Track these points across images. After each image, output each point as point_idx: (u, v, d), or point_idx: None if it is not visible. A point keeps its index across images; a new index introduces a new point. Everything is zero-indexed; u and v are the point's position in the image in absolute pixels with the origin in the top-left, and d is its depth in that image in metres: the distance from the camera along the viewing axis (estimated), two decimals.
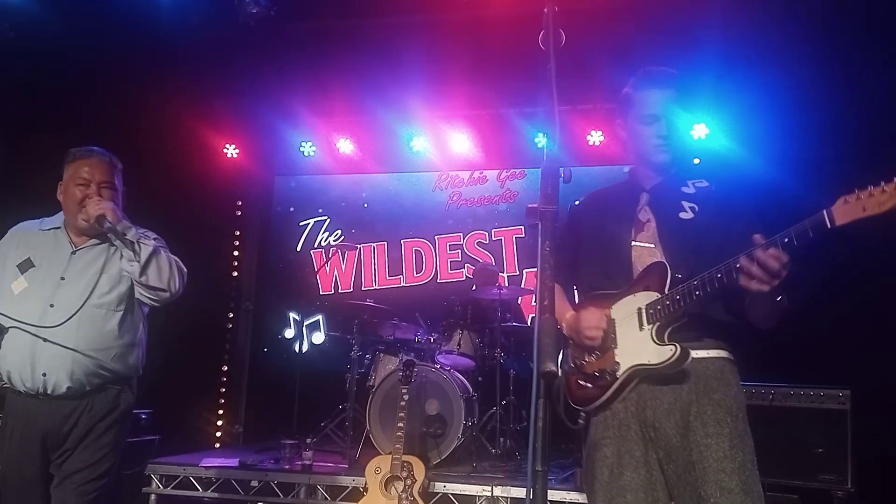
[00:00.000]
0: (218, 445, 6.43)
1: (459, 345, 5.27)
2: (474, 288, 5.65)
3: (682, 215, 2.12)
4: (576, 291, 2.38)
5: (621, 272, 2.13)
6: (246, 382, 6.92)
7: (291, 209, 7.31)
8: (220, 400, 6.73)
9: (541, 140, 6.39)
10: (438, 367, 5.01)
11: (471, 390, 5.05)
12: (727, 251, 1.90)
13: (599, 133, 6.17)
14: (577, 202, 2.45)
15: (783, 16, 4.67)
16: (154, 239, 2.76)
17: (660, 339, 1.98)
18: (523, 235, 6.69)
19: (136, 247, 2.57)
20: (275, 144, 7.04)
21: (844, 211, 1.66)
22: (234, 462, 4.69)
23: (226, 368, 6.86)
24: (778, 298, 1.88)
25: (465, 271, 6.77)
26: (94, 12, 4.55)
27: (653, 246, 2.11)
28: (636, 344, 2.02)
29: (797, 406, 4.05)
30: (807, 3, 4.60)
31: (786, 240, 1.75)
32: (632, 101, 2.23)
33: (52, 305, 2.56)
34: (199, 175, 6.31)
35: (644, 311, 2.03)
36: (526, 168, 6.81)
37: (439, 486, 4.25)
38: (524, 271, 6.66)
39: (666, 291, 1.99)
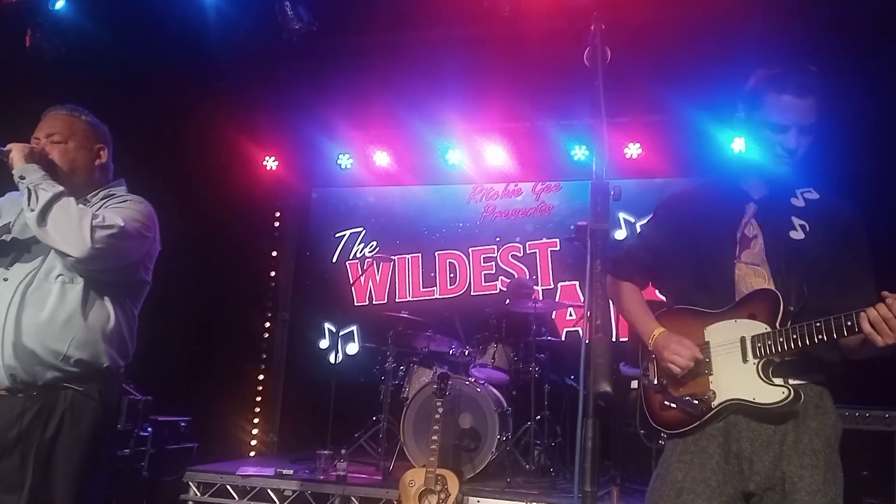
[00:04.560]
0: (253, 454, 6.50)
1: (494, 358, 5.25)
2: (507, 302, 5.63)
3: (793, 234, 1.95)
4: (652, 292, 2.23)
5: (722, 291, 1.97)
6: (281, 392, 7.00)
7: (327, 221, 7.38)
8: (255, 409, 6.82)
9: (577, 153, 6.38)
10: (473, 380, 5.00)
11: (505, 404, 5.02)
12: (833, 281, 1.84)
13: (637, 146, 6.13)
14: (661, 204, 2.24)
15: (824, 27, 4.60)
16: (125, 201, 2.38)
17: (767, 377, 1.85)
18: (558, 248, 6.66)
19: (34, 193, 2.15)
20: (313, 157, 7.13)
21: None
22: (269, 471, 4.73)
23: (262, 378, 6.95)
24: None
25: (498, 284, 6.75)
26: (143, 29, 4.69)
27: (759, 266, 1.96)
28: (738, 376, 1.89)
29: (842, 427, 3.94)
30: (850, 18, 4.52)
31: None
32: (762, 103, 1.99)
33: (5, 279, 2.25)
34: (239, 186, 6.43)
35: (750, 342, 1.88)
36: (561, 181, 6.77)
37: (473, 501, 4.23)
38: (559, 285, 6.62)
39: (778, 326, 1.85)
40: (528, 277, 6.52)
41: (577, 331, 6.30)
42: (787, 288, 1.90)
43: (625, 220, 6.33)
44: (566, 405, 5.34)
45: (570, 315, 6.43)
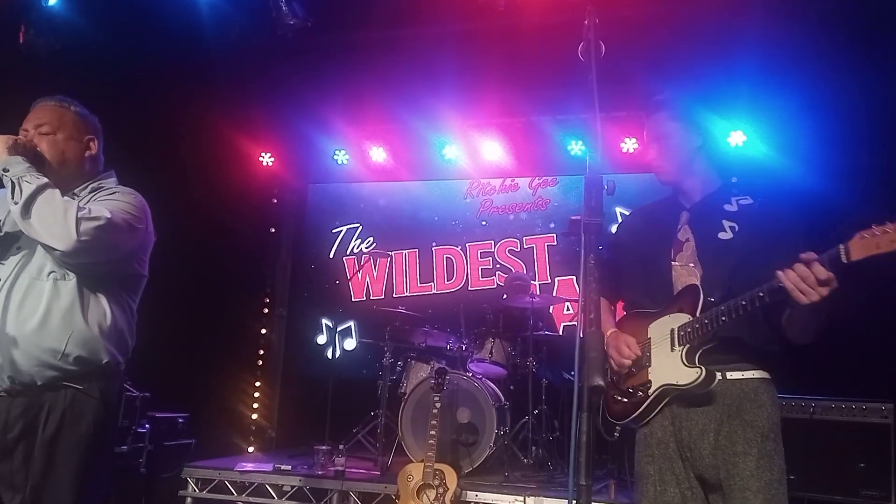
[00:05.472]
0: (251, 450, 6.50)
1: (491, 353, 5.26)
2: (505, 297, 5.64)
3: (722, 235, 2.12)
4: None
5: (662, 292, 2.16)
6: (279, 387, 7.01)
7: (324, 216, 7.38)
8: (253, 405, 6.83)
9: (574, 147, 6.38)
10: (470, 375, 5.00)
11: (503, 399, 5.03)
12: (768, 273, 1.89)
13: (633, 140, 6.13)
14: (621, 217, 2.49)
15: (822, 21, 4.60)
16: (114, 193, 2.32)
17: (689, 361, 2.02)
18: (555, 243, 6.66)
19: (18, 186, 2.09)
20: (309, 153, 7.12)
21: (861, 246, 1.66)
22: (268, 467, 4.74)
23: (259, 373, 6.96)
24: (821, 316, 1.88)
25: (496, 279, 6.76)
26: (137, 25, 4.67)
27: (692, 266, 2.14)
28: (667, 364, 2.07)
29: (839, 420, 3.97)
30: (846, 9, 4.52)
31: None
32: None
33: None
34: (235, 182, 6.43)
35: (676, 332, 2.07)
36: (558, 176, 6.78)
37: (471, 495, 4.24)
38: (556, 279, 6.62)
39: (697, 314, 2.02)
40: (525, 272, 6.52)
41: (575, 325, 6.31)
42: (711, 281, 2.07)
43: (621, 214, 6.33)
44: (564, 399, 5.34)
45: (568, 310, 6.43)
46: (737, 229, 2.11)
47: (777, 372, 2.09)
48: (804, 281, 1.74)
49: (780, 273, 1.79)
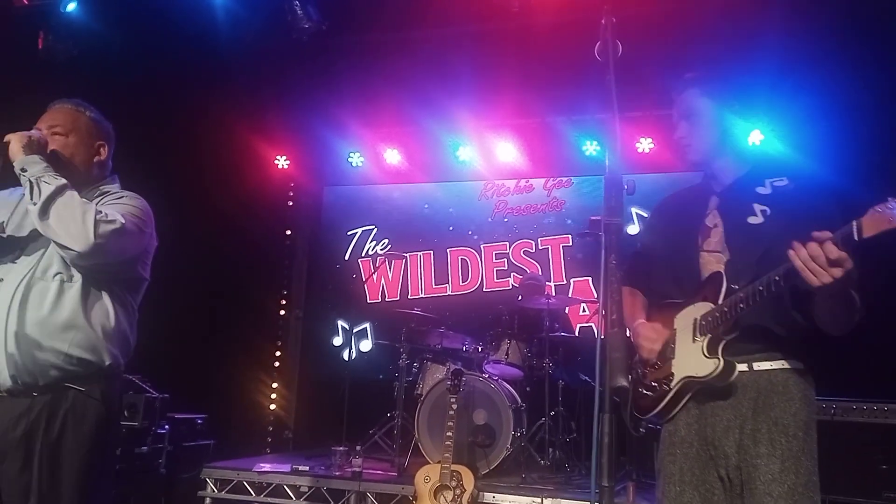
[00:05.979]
0: (269, 451, 6.54)
1: (507, 354, 5.25)
2: (520, 298, 5.63)
3: (751, 220, 2.00)
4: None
5: (690, 280, 2.06)
6: (296, 389, 7.04)
7: (339, 218, 7.41)
8: (270, 406, 6.87)
9: (588, 148, 6.36)
10: (486, 376, 4.99)
11: (519, 400, 5.01)
12: None
13: (649, 140, 6.11)
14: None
15: (839, 20, 4.55)
16: (121, 197, 2.32)
17: (710, 352, 1.92)
18: (570, 244, 6.64)
19: (37, 186, 2.10)
20: (324, 155, 7.16)
21: (873, 222, 1.57)
22: (285, 467, 4.76)
23: (276, 375, 7.00)
24: (849, 297, 1.78)
25: (511, 280, 6.75)
26: (153, 30, 4.72)
27: (720, 253, 2.04)
28: (689, 356, 1.98)
29: (860, 421, 3.92)
30: (863, 9, 4.47)
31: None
32: None
33: (1, 280, 2.19)
34: (251, 185, 6.47)
35: (698, 322, 1.98)
36: (573, 176, 6.76)
37: (488, 497, 4.23)
38: (571, 280, 6.60)
39: (719, 302, 1.92)
40: (540, 273, 6.50)
41: (591, 326, 6.29)
42: (738, 268, 1.96)
43: (637, 214, 6.30)
44: (580, 401, 5.33)
45: (584, 311, 6.41)
46: (768, 213, 1.99)
47: (812, 363, 1.97)
48: (815, 261, 1.63)
49: (790, 252, 1.67)
